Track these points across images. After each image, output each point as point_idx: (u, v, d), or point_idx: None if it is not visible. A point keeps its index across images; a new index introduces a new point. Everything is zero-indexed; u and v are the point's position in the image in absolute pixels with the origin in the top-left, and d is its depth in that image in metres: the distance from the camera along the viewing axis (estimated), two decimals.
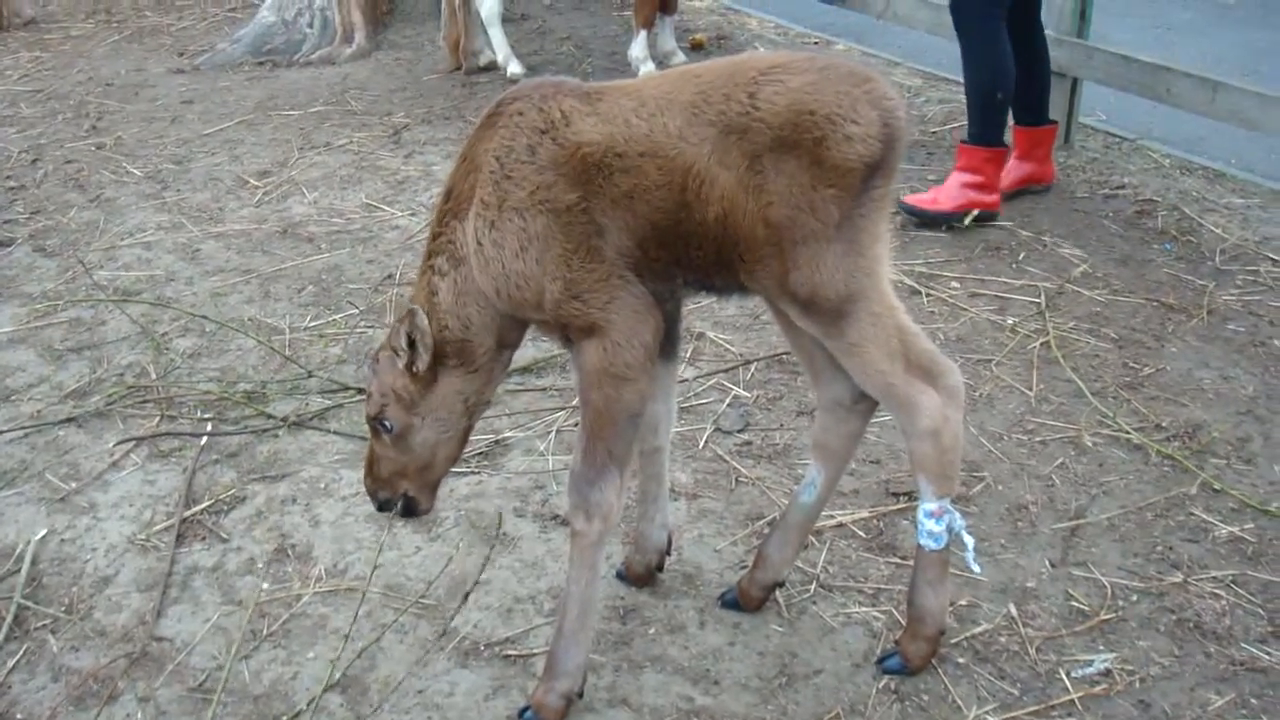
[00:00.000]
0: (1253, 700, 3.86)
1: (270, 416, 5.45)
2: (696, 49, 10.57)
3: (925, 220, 7.01)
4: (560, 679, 3.78)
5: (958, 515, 3.74)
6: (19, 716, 3.97)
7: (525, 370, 5.74)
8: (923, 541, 3.77)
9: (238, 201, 7.86)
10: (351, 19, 11.07)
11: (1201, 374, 5.54)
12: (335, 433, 5.32)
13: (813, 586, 4.36)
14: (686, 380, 5.58)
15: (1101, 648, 4.08)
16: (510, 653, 4.13)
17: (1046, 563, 4.45)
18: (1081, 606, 4.25)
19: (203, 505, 4.91)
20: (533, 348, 5.84)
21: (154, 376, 5.80)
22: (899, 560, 4.46)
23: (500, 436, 5.26)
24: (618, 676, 4.00)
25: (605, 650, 4.10)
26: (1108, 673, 3.97)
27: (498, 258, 3.50)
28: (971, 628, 4.16)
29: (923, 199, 7.09)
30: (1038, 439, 5.13)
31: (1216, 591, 4.29)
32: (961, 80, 7.22)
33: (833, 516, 4.66)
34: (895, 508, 4.74)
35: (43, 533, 4.78)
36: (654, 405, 3.91)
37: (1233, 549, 4.50)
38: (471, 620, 4.27)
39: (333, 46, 11.01)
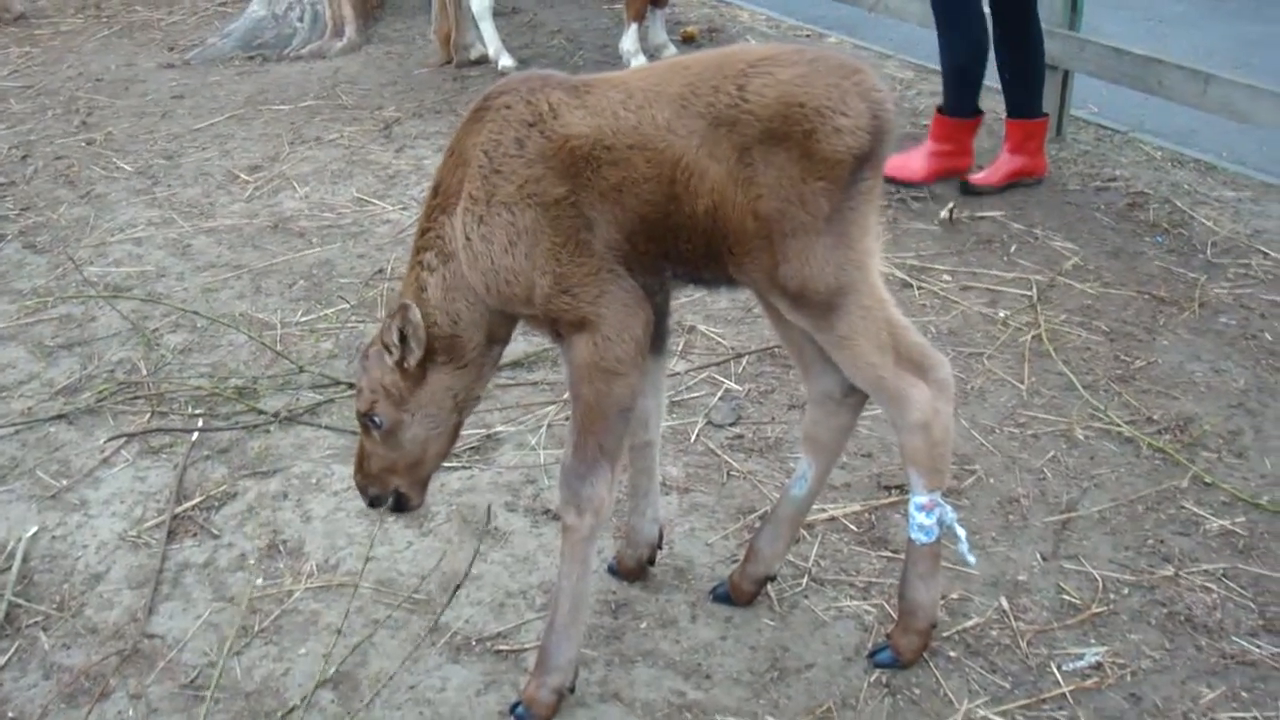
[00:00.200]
0: (1243, 693, 3.86)
1: (261, 412, 5.44)
2: (688, 42, 10.56)
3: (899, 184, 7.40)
4: (552, 674, 3.78)
5: (949, 508, 3.74)
6: (10, 714, 3.96)
7: (516, 365, 5.73)
8: (914, 535, 3.77)
9: (228, 196, 7.84)
10: (342, 13, 11.05)
11: (1193, 367, 5.55)
12: (327, 428, 5.31)
13: (804, 580, 4.36)
14: (678, 374, 5.58)
15: (1093, 641, 4.08)
16: (502, 648, 4.13)
17: (1038, 556, 4.45)
18: (1073, 600, 4.25)
19: (194, 501, 4.90)
20: (524, 342, 5.83)
21: (145, 373, 5.79)
22: (890, 554, 4.46)
23: (491, 431, 5.26)
24: (609, 671, 4.00)
25: (597, 645, 4.10)
26: (1099, 666, 3.97)
27: (486, 253, 3.49)
28: (963, 621, 4.16)
29: (894, 164, 7.34)
30: (1029, 432, 5.13)
31: (1207, 585, 4.30)
32: None
33: (824, 510, 4.66)
34: (887, 501, 4.74)
35: (33, 530, 4.78)
36: (644, 400, 3.90)
37: (1224, 542, 4.50)
38: (463, 615, 4.27)
39: (323, 40, 10.99)
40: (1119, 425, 5.13)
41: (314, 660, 4.10)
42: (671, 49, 10.00)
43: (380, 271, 6.69)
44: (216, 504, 4.90)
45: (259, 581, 4.47)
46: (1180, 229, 6.88)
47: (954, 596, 4.26)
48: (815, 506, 4.42)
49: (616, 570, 4.39)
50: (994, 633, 4.12)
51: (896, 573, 4.19)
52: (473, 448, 5.15)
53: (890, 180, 7.22)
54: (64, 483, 5.04)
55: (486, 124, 3.51)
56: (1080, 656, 4.01)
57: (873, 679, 3.95)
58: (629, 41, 9.71)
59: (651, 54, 9.84)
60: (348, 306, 6.32)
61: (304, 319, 6.23)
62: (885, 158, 3.48)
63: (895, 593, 4.07)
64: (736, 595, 4.24)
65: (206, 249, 7.10)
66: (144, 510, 4.87)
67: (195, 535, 4.73)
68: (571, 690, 3.84)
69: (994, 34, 7.23)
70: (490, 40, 10.08)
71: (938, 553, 3.82)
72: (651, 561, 4.37)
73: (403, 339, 3.59)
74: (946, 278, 6.39)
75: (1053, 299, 6.15)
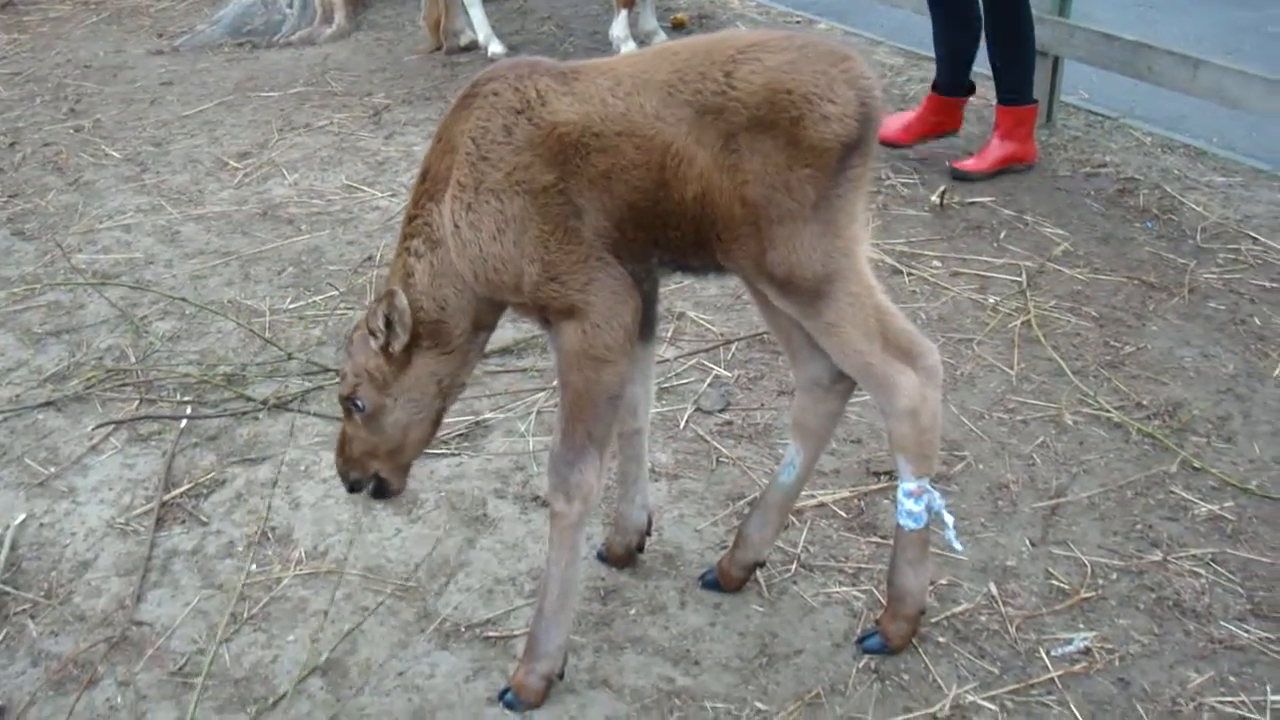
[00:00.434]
0: (1231, 678, 3.87)
1: (250, 399, 5.43)
2: (678, 28, 10.53)
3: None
4: (541, 660, 3.78)
5: (937, 495, 3.74)
6: None
7: (505, 351, 5.73)
8: (902, 521, 3.77)
9: (217, 183, 7.82)
10: None
11: (1182, 352, 5.55)
12: (315, 415, 5.30)
13: (793, 566, 4.36)
14: (667, 360, 5.58)
15: (1081, 626, 4.09)
16: (491, 634, 4.13)
17: (1027, 541, 4.46)
18: (1061, 585, 4.26)
19: (182, 488, 4.90)
20: (513, 329, 5.83)
21: (133, 360, 5.78)
22: (879, 540, 4.46)
23: (480, 418, 5.25)
24: (598, 657, 4.01)
25: (586, 631, 4.10)
26: (1087, 651, 3.98)
27: (475, 240, 3.48)
28: (952, 607, 4.17)
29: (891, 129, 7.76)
30: (1018, 418, 5.13)
31: (1196, 570, 4.31)
32: None
33: (813, 496, 4.66)
34: (876, 487, 4.74)
35: (22, 517, 4.77)
36: (633, 387, 3.90)
37: (1212, 527, 4.51)
38: (452, 602, 4.27)
39: (312, 27, 10.96)
40: (1108, 411, 5.14)
41: (303, 647, 4.10)
42: (661, 35, 9.97)
43: (369, 258, 6.67)
44: (205, 491, 4.89)
45: (248, 569, 4.46)
46: (1170, 215, 6.88)
47: (943, 582, 4.26)
48: (804, 492, 4.43)
49: (605, 557, 4.39)
50: (983, 618, 4.13)
51: (885, 559, 4.20)
52: (462, 435, 5.14)
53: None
54: (52, 470, 5.04)
55: (474, 111, 3.49)
56: (1069, 642, 4.02)
57: (861, 665, 3.95)
58: (619, 28, 9.69)
59: (641, 40, 9.82)
60: (337, 293, 6.30)
61: (293, 306, 6.22)
62: (874, 145, 3.47)
63: (884, 579, 4.08)
64: (725, 581, 4.24)
65: (195, 236, 7.08)
66: (132, 497, 4.87)
67: (184, 522, 4.73)
68: (560, 677, 3.84)
69: (985, 21, 7.23)
70: (480, 26, 10.06)
71: (926, 539, 3.82)
72: (640, 548, 4.37)
73: (388, 324, 3.58)
74: (936, 264, 6.39)
75: (1042, 285, 6.16)
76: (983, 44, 7.33)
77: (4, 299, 6.41)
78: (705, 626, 4.12)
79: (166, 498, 4.84)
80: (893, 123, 7.84)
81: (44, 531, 4.71)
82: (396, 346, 3.62)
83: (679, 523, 4.60)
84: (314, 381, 5.53)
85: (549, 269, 3.44)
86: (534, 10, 11.37)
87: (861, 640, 4.02)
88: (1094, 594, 4.21)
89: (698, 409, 5.27)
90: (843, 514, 4.62)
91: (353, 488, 3.94)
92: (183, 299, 6.26)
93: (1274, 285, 6.09)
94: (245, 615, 4.26)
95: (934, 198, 6.98)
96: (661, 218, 3.42)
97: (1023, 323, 5.80)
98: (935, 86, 7.72)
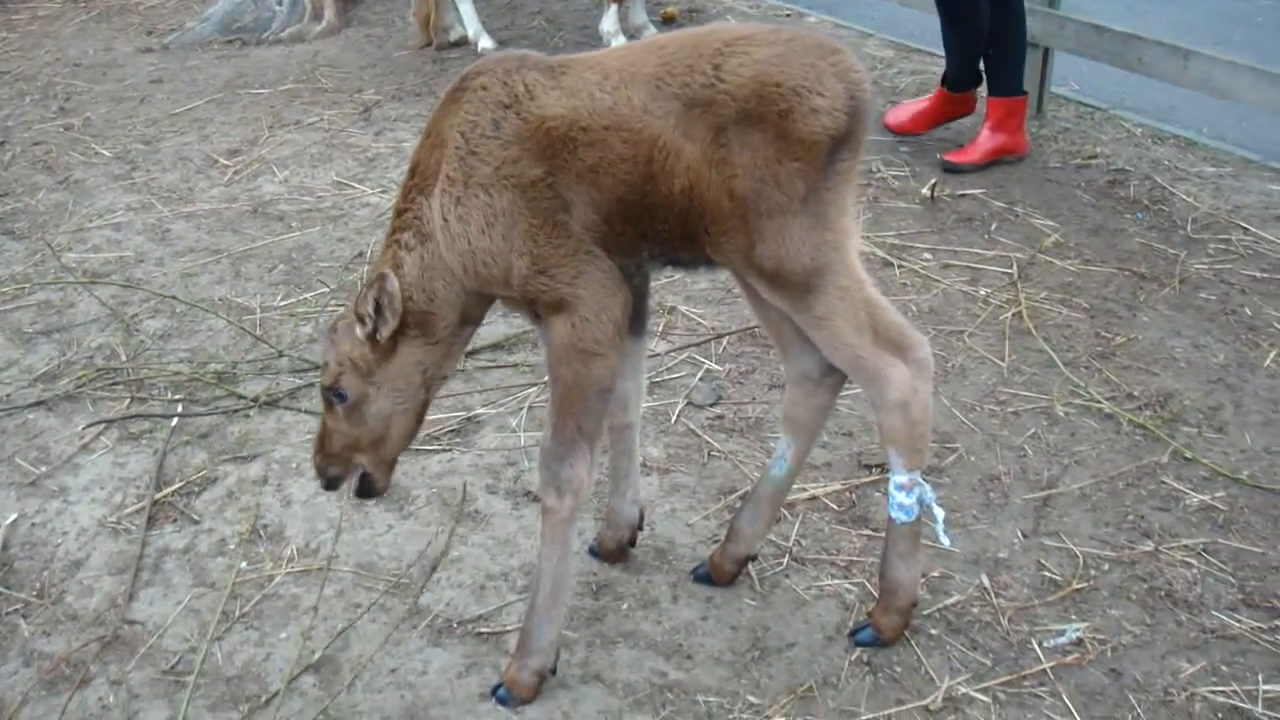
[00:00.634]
0: (1223, 668, 3.88)
1: (241, 397, 5.43)
2: (668, 22, 10.52)
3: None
4: (533, 656, 3.78)
5: (928, 488, 3.74)
6: None
7: (496, 347, 5.72)
8: (894, 514, 3.77)
9: (208, 181, 7.81)
10: None
11: (1173, 343, 5.56)
12: (306, 412, 5.30)
13: (785, 560, 4.37)
14: (658, 355, 5.58)
15: (1073, 617, 4.09)
16: (483, 630, 4.13)
17: (1018, 533, 4.46)
18: (1053, 576, 4.26)
19: (174, 487, 4.89)
20: (504, 324, 5.82)
21: (124, 358, 5.77)
22: (871, 532, 4.46)
23: (472, 413, 5.25)
24: (590, 652, 4.01)
25: (578, 626, 4.10)
26: (1080, 642, 3.98)
27: (464, 234, 3.47)
28: (944, 599, 4.17)
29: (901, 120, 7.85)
30: (1010, 409, 5.13)
31: (1187, 560, 4.31)
32: (933, 52, 7.35)
33: (805, 489, 4.66)
34: (867, 480, 4.74)
35: (13, 517, 4.76)
36: (624, 381, 3.90)
37: (1204, 517, 4.51)
38: (444, 598, 4.27)
39: (302, 23, 10.94)
40: (1099, 402, 5.14)
41: (295, 645, 4.09)
42: (651, 30, 9.97)
43: (360, 255, 6.67)
44: (196, 489, 4.89)
45: (240, 567, 4.46)
46: (1160, 205, 6.89)
47: (935, 574, 4.26)
48: (796, 486, 4.42)
49: (597, 552, 4.39)
50: (975, 610, 4.13)
51: (877, 551, 4.19)
52: (453, 430, 5.14)
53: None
54: (43, 469, 5.03)
55: (463, 105, 3.49)
56: (1061, 633, 4.02)
57: (854, 657, 3.95)
58: (609, 22, 9.68)
59: (632, 35, 9.80)
60: (327, 290, 6.30)
61: (283, 303, 6.22)
62: (863, 139, 3.47)
63: (876, 571, 4.07)
64: (717, 575, 4.24)
65: (185, 234, 7.07)
66: (124, 496, 4.86)
67: (175, 521, 4.72)
68: (553, 672, 3.84)
69: None
70: (470, 22, 10.05)
71: (918, 531, 3.82)
72: (632, 543, 4.37)
73: (378, 309, 3.56)
74: (927, 256, 6.39)
75: (1033, 276, 6.16)
76: None
77: None
78: (697, 620, 4.12)
79: (158, 496, 4.83)
80: (902, 112, 7.89)
81: (35, 531, 4.70)
82: (384, 333, 3.60)
83: (671, 517, 4.60)
84: (305, 379, 5.51)
85: (538, 263, 3.44)
86: (524, 5, 11.35)
87: (854, 633, 4.02)
88: (1086, 585, 4.22)
89: (689, 403, 5.26)
90: (834, 507, 4.62)
91: (330, 485, 3.91)
92: (173, 297, 6.25)
93: (1264, 275, 6.10)
94: (237, 613, 4.26)
95: (925, 190, 6.98)
96: (649, 211, 3.42)
97: (1014, 314, 5.80)
98: (944, 81, 7.71)
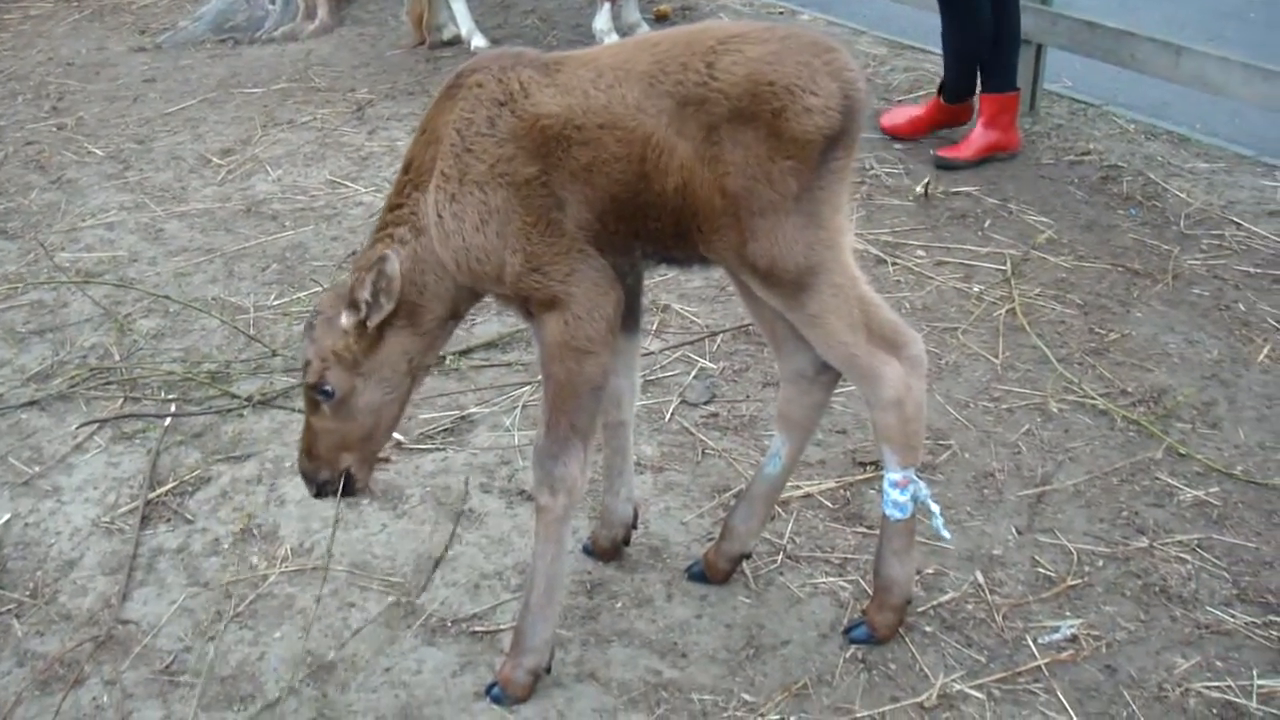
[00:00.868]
0: (1218, 663, 3.88)
1: (235, 396, 5.42)
2: (661, 20, 10.51)
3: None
4: (527, 654, 3.78)
5: (922, 485, 3.74)
6: None
7: (490, 346, 5.72)
8: (888, 511, 3.77)
9: (201, 180, 7.80)
10: None
11: (1167, 339, 5.56)
12: (300, 411, 5.28)
13: (779, 557, 4.37)
14: (652, 353, 5.57)
15: (1068, 614, 4.09)
16: (477, 629, 4.12)
17: (1013, 530, 4.46)
18: (1048, 573, 4.26)
19: (167, 487, 4.88)
20: (497, 323, 5.83)
21: (117, 358, 5.77)
22: (865, 530, 4.46)
23: (465, 412, 5.25)
24: (585, 651, 4.00)
25: (572, 625, 4.10)
26: (1074, 638, 3.98)
27: (458, 230, 3.47)
28: (938, 596, 4.17)
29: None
30: (1004, 406, 5.13)
31: (1182, 555, 4.31)
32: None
33: (799, 487, 4.66)
34: (861, 477, 4.74)
35: (6, 517, 4.76)
36: (617, 379, 3.90)
37: (1198, 513, 4.52)
38: (438, 597, 4.27)
39: (295, 23, 10.93)
40: (1093, 398, 5.14)
41: (289, 644, 4.09)
42: (645, 27, 9.95)
43: (353, 254, 6.64)
44: (190, 489, 4.88)
45: (233, 566, 4.45)
46: (1154, 201, 6.89)
47: (929, 571, 4.27)
48: (790, 483, 4.42)
49: (591, 550, 4.39)
50: (969, 607, 4.13)
51: (872, 549, 4.20)
52: (447, 429, 5.14)
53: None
54: (36, 469, 5.02)
55: (459, 102, 3.49)
56: (1056, 629, 4.02)
57: (848, 655, 3.95)
58: (602, 20, 9.67)
59: (625, 33, 9.78)
60: (321, 289, 6.28)
61: (277, 302, 6.21)
62: (857, 138, 3.47)
63: (870, 569, 4.07)
64: (712, 573, 4.24)
65: (179, 233, 7.06)
66: (117, 496, 4.85)
67: (169, 520, 4.72)
68: (548, 671, 3.84)
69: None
70: (463, 21, 10.04)
71: (912, 529, 3.82)
72: (626, 541, 4.37)
73: (375, 294, 3.54)
74: (920, 253, 6.39)
75: (1027, 273, 6.16)
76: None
77: None
78: (692, 619, 4.12)
79: (151, 496, 4.83)
80: (898, 115, 7.87)
81: (29, 531, 4.69)
82: (376, 319, 3.56)
83: (665, 515, 4.60)
84: (298, 378, 5.50)
85: (531, 260, 3.44)
86: (517, 4, 11.34)
87: (848, 630, 4.02)
88: (1080, 581, 4.22)
89: (683, 401, 5.26)
90: (828, 504, 4.62)
91: (320, 490, 3.86)
92: (166, 296, 6.24)
93: (1257, 271, 6.10)
94: (231, 613, 4.25)
95: (919, 188, 6.97)
96: (643, 209, 3.42)
97: (1007, 311, 5.81)
98: (941, 90, 7.70)
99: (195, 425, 5.26)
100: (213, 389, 5.48)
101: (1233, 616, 4.05)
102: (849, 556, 4.36)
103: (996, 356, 5.46)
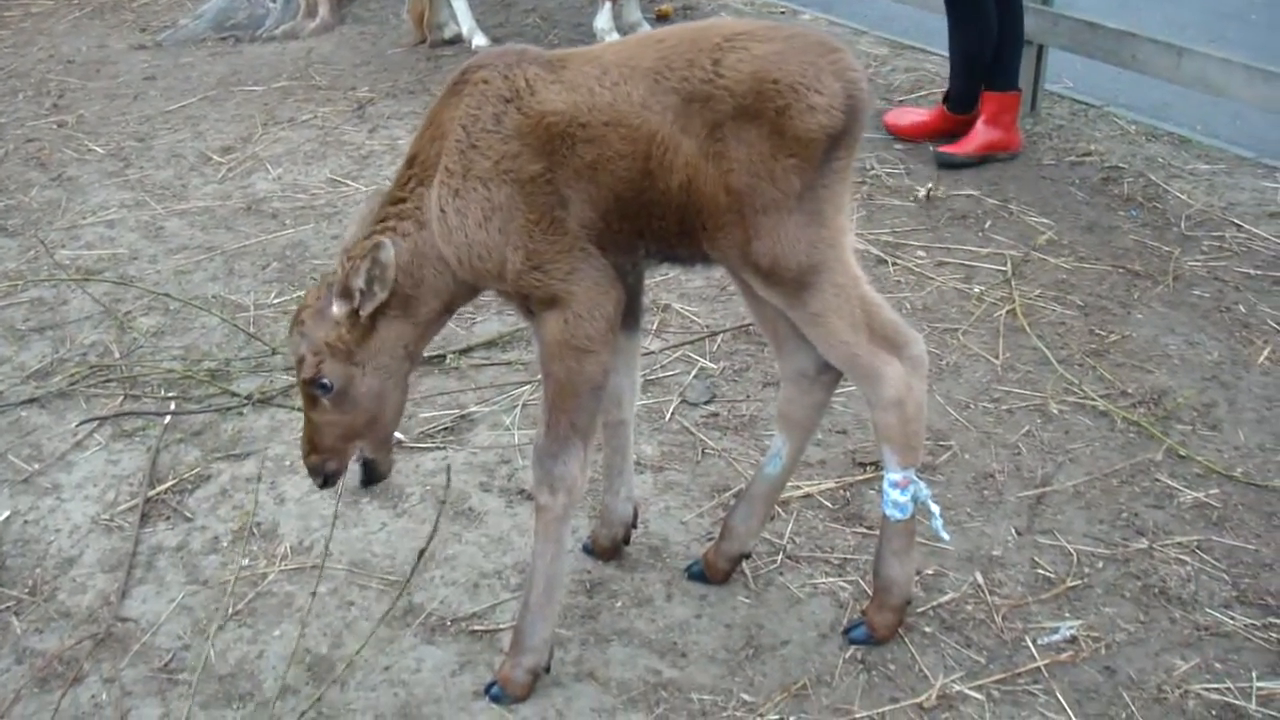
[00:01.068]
0: (1217, 665, 3.88)
1: (234, 394, 5.42)
2: (662, 19, 10.50)
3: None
4: (527, 654, 3.78)
5: (923, 485, 3.74)
6: None
7: (490, 344, 5.72)
8: (888, 512, 3.77)
9: (201, 178, 7.79)
10: None
11: (1167, 340, 5.55)
12: (300, 409, 5.27)
13: (779, 557, 4.36)
14: (653, 352, 5.57)
15: (1067, 615, 4.09)
16: (476, 628, 4.12)
17: (1013, 531, 4.46)
18: (1047, 574, 4.26)
19: (167, 485, 4.88)
20: (497, 321, 5.83)
21: (117, 355, 5.76)
22: (865, 530, 4.46)
23: (465, 411, 5.24)
24: (584, 650, 4.00)
25: (572, 624, 4.10)
26: (1074, 640, 3.98)
27: (460, 226, 3.46)
28: (938, 597, 4.17)
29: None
30: (1004, 407, 5.13)
31: (1181, 557, 4.31)
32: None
33: (799, 487, 4.65)
34: (861, 478, 4.74)
35: (6, 514, 4.76)
36: (617, 378, 3.89)
37: (1198, 514, 4.51)
38: (438, 596, 4.27)
39: (296, 21, 10.91)
40: (1093, 399, 5.14)
41: (288, 642, 4.09)
42: (646, 27, 9.94)
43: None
44: (190, 487, 4.88)
45: (232, 564, 4.45)
46: (1154, 203, 6.89)
47: (929, 572, 4.26)
48: (790, 483, 4.42)
49: (591, 549, 4.39)
50: (969, 608, 4.13)
51: (871, 549, 4.19)
52: (447, 428, 5.13)
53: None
54: (36, 467, 5.02)
55: (465, 98, 3.48)
56: (1055, 630, 4.02)
57: (848, 655, 3.95)
58: (603, 20, 9.67)
59: (625, 32, 9.77)
60: None
61: (277, 301, 6.20)
62: (859, 137, 3.47)
63: (870, 569, 4.07)
64: (711, 573, 4.24)
65: (179, 231, 7.06)
66: (117, 494, 4.85)
67: (168, 518, 4.72)
68: (547, 670, 3.84)
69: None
70: (464, 19, 10.03)
71: (912, 529, 3.82)
72: (626, 540, 4.36)
73: (369, 282, 3.50)
74: (921, 254, 6.39)
75: (1027, 274, 6.16)
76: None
77: None
78: (691, 618, 4.12)
79: (151, 494, 4.82)
80: (903, 116, 7.86)
81: (28, 528, 4.69)
82: (368, 308, 3.52)
83: (665, 515, 4.60)
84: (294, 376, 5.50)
85: (532, 258, 3.44)
86: (517, 2, 11.33)
87: (848, 631, 4.02)
88: (1080, 582, 4.22)
89: (683, 401, 5.26)
90: (828, 505, 4.62)
91: (327, 482, 3.83)
92: (166, 294, 6.24)
93: (1258, 272, 6.10)
94: (230, 611, 4.25)
95: (921, 193, 6.95)
96: (647, 208, 3.42)
97: (1008, 312, 5.80)
98: (946, 99, 7.69)
99: (195, 423, 5.26)
100: (212, 387, 5.48)
101: (1232, 618, 4.05)
102: (849, 557, 4.36)
103: (997, 357, 5.45)
